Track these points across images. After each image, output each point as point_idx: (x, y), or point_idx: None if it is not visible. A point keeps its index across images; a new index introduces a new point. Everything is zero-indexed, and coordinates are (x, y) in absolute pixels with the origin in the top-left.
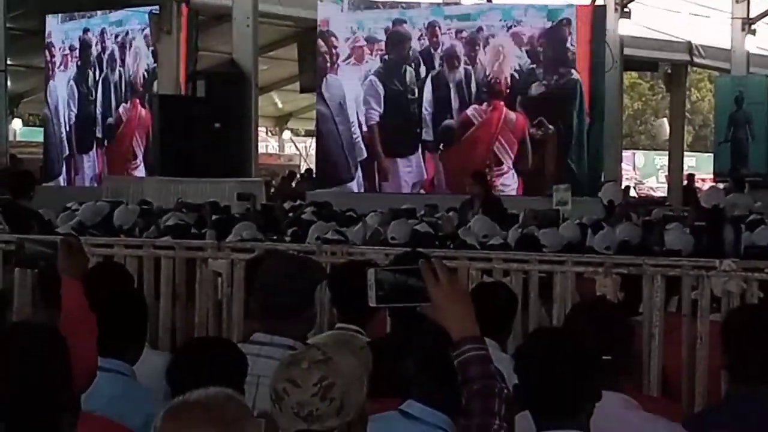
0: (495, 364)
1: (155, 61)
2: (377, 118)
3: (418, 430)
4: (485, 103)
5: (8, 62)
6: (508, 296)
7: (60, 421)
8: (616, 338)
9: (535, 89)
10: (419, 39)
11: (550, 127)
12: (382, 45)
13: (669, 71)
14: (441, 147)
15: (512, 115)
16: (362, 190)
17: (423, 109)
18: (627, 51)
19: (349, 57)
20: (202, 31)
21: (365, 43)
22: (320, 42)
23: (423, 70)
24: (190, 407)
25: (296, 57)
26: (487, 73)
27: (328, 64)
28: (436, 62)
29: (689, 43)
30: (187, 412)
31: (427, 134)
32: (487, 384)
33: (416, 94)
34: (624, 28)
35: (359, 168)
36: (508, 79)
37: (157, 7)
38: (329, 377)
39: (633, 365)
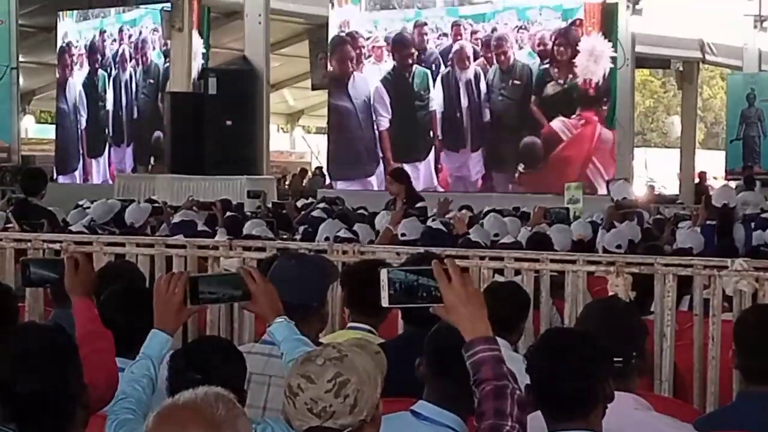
0: (507, 364)
1: (166, 59)
2: (387, 124)
3: (429, 430)
4: (575, 115)
5: (20, 59)
6: (521, 296)
7: (73, 417)
8: (629, 338)
9: (551, 88)
10: (437, 38)
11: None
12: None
13: (681, 69)
14: (521, 168)
15: (607, 133)
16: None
17: (432, 111)
18: (639, 48)
19: (369, 56)
20: (213, 28)
21: (384, 43)
22: (347, 42)
23: (435, 70)
24: (180, 409)
25: (308, 54)
26: (501, 73)
27: (354, 63)
28: (448, 62)
29: (701, 40)
30: (176, 414)
31: (439, 134)
32: (499, 385)
33: (425, 99)
34: (636, 25)
35: (381, 163)
36: (524, 79)
37: (168, 4)
38: (344, 374)
39: (645, 366)
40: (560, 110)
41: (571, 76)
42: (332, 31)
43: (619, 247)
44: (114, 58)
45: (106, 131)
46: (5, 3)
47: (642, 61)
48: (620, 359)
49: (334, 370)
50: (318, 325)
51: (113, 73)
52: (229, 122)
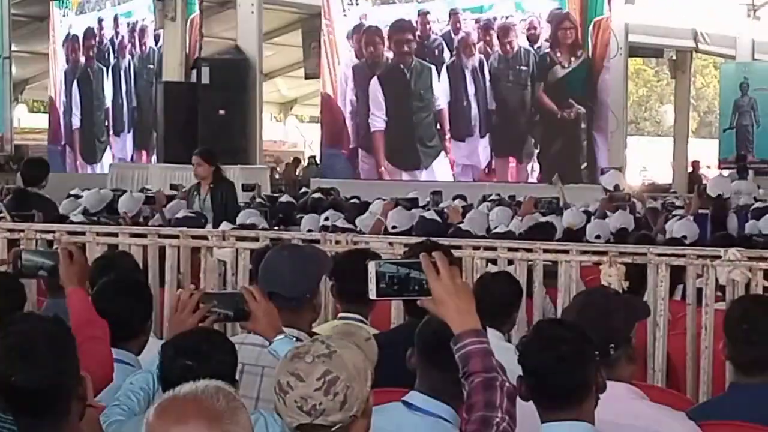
0: (498, 354)
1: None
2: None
3: (420, 421)
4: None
5: (12, 48)
6: (512, 286)
7: (69, 409)
8: (606, 329)
9: (557, 72)
10: (440, 29)
11: (580, 107)
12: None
13: (674, 58)
14: (528, 154)
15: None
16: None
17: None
18: (632, 37)
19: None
20: (206, 17)
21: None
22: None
23: (442, 58)
24: (181, 401)
25: (301, 43)
26: (505, 60)
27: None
28: (452, 52)
29: (694, 29)
30: (177, 407)
31: (447, 124)
32: (488, 377)
33: (427, 94)
34: (629, 14)
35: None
36: (528, 64)
37: None
38: (333, 371)
39: (633, 353)
40: (568, 95)
41: (573, 58)
42: (352, 23)
43: (598, 237)
44: (112, 46)
45: (106, 122)
46: None
47: (635, 50)
48: (596, 351)
49: (323, 367)
50: (311, 315)
51: (112, 62)
52: (222, 111)
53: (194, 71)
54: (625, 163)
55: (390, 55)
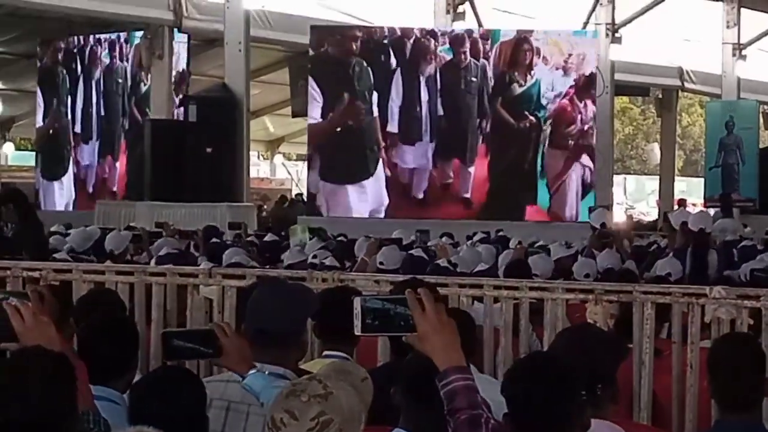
0: (478, 385)
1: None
2: None
3: None
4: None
5: (0, 86)
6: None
7: None
8: (592, 370)
9: (515, 89)
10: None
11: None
12: None
13: (660, 96)
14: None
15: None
16: None
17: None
18: (618, 76)
19: None
20: (194, 55)
21: None
22: None
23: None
24: None
25: (288, 81)
26: (458, 70)
27: None
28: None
29: (680, 68)
30: None
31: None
32: (474, 414)
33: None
34: (615, 53)
35: None
36: (478, 77)
37: (144, 32)
38: (328, 413)
39: (616, 393)
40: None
41: (529, 77)
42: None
43: (587, 276)
44: (82, 57)
45: (73, 128)
46: None
47: (621, 89)
48: (583, 392)
49: (318, 408)
50: (297, 353)
51: (81, 72)
52: (209, 149)
53: (181, 109)
54: (612, 202)
55: None
